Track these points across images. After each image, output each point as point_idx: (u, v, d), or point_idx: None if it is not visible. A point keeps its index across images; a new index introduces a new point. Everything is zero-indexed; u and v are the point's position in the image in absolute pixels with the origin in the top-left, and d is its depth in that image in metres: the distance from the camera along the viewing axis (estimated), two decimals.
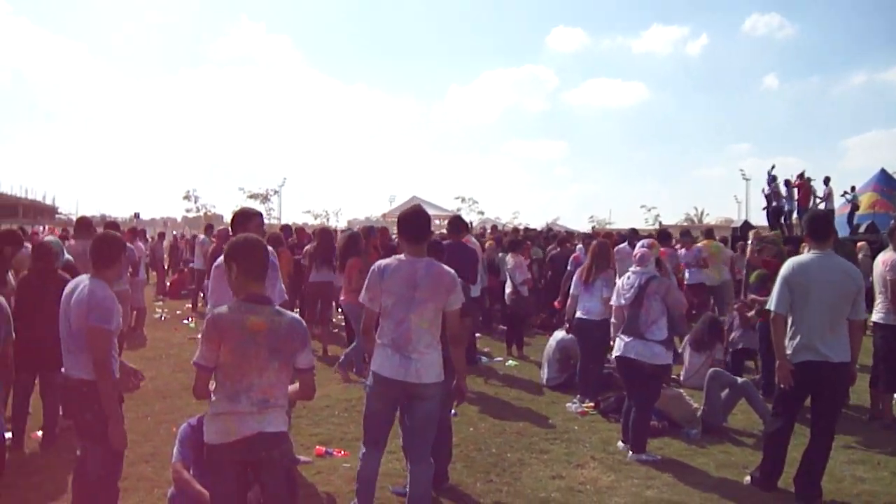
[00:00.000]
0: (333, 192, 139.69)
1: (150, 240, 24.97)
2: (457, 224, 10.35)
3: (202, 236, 19.08)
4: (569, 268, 11.91)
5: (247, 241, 4.01)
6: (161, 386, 9.45)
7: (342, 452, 6.82)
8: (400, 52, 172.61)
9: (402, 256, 5.08)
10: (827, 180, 24.28)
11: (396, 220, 5.41)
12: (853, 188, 26.68)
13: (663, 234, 14.38)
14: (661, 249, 11.23)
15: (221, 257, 5.58)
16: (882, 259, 8.28)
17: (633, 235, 14.76)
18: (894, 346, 8.12)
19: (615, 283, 7.95)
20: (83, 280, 4.71)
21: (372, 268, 5.11)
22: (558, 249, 15.39)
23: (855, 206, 25.73)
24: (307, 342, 3.98)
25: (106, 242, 4.85)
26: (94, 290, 4.53)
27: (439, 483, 6.02)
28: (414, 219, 5.18)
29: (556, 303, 12.22)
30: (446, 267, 5.13)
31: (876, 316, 8.26)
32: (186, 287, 21.49)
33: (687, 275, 14.70)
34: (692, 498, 5.99)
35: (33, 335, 6.72)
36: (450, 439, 6.33)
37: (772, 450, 6.16)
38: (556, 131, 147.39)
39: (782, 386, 6.00)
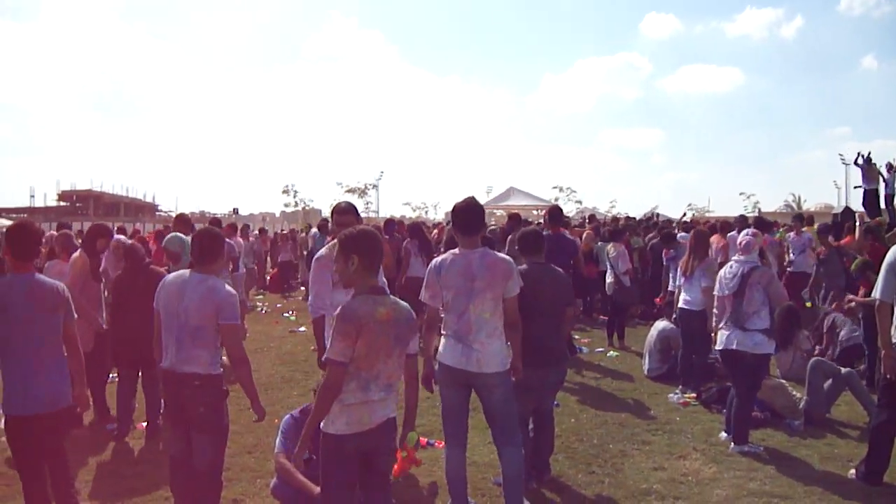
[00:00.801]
0: (431, 184, 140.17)
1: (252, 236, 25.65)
2: (556, 214, 10.40)
3: (314, 230, 19.46)
4: (664, 262, 11.82)
5: (367, 234, 4.10)
6: (263, 378, 9.67)
7: (443, 444, 6.96)
8: (492, 43, 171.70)
9: (457, 251, 5.19)
10: None
11: (451, 212, 5.50)
12: None
13: (761, 222, 14.10)
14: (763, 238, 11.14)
15: (324, 250, 5.82)
16: None
17: (741, 223, 14.53)
18: None
19: (715, 272, 7.92)
20: (183, 276, 4.84)
21: (429, 265, 5.29)
22: (659, 238, 15.27)
23: None
24: (417, 329, 4.23)
25: (207, 237, 4.97)
26: (216, 287, 4.71)
27: (541, 474, 6.17)
28: (466, 211, 5.27)
29: (657, 299, 12.18)
30: (501, 255, 5.27)
31: None
32: (287, 281, 22.22)
33: (792, 262, 14.43)
34: (795, 491, 5.97)
35: (130, 332, 7.12)
36: (552, 431, 6.40)
37: (877, 443, 6.05)
38: (652, 119, 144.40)
39: (888, 376, 5.90)
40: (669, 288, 11.07)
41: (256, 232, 25.99)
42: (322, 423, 3.99)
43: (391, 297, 4.11)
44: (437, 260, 5.26)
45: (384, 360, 3.95)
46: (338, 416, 3.92)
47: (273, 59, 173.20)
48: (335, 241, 5.24)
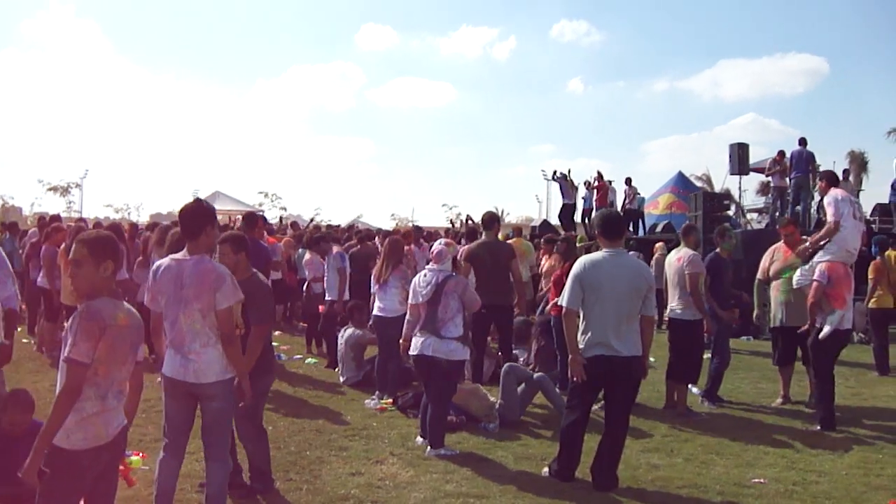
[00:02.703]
0: (137, 185, 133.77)
1: None
2: (250, 220, 10.20)
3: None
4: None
5: (113, 238, 3.96)
6: None
7: (140, 454, 6.50)
8: (210, 43, 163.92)
9: (179, 255, 4.99)
10: (629, 181, 25.26)
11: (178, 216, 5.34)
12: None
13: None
14: None
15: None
16: (678, 256, 8.74)
17: (417, 233, 14.76)
18: (690, 340, 8.64)
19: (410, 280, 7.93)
20: None
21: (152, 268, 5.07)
22: (358, 247, 15.29)
23: (640, 212, 26.64)
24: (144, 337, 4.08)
25: None
26: None
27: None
28: (189, 214, 5.07)
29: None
30: (215, 264, 5.06)
31: (673, 312, 8.72)
32: None
33: None
34: (490, 490, 6.02)
35: None
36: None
37: (568, 441, 6.27)
38: (363, 129, 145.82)
39: (576, 379, 6.15)
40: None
41: None
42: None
43: (125, 303, 3.97)
44: (156, 263, 5.10)
45: (119, 366, 3.80)
46: (74, 429, 3.64)
47: None
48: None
